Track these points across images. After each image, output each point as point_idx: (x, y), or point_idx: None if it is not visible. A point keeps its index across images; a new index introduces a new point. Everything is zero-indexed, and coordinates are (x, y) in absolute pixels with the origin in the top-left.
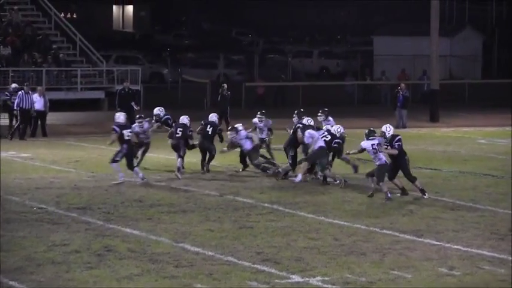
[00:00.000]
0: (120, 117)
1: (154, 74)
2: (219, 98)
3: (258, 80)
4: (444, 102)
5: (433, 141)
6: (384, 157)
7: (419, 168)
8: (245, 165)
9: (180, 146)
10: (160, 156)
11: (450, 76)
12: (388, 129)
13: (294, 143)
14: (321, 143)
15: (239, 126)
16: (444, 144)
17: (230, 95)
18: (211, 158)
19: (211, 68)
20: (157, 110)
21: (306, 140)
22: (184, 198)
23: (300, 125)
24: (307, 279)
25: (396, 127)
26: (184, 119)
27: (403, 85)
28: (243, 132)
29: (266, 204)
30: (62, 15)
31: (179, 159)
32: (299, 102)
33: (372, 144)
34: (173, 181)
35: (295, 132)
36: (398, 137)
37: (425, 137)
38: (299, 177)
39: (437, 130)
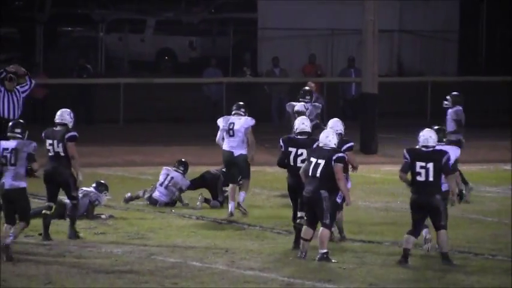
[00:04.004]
0: None
1: None
2: None
3: (41, 73)
4: (387, 117)
5: (364, 190)
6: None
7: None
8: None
9: None
10: None
11: (399, 69)
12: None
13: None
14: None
15: None
16: (386, 194)
17: None
18: None
19: None
20: None
21: None
22: None
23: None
24: None
25: None
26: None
27: (312, 85)
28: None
29: None
30: None
31: None
32: (119, 115)
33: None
34: None
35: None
36: (350, 144)
37: (352, 181)
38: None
39: (375, 169)
